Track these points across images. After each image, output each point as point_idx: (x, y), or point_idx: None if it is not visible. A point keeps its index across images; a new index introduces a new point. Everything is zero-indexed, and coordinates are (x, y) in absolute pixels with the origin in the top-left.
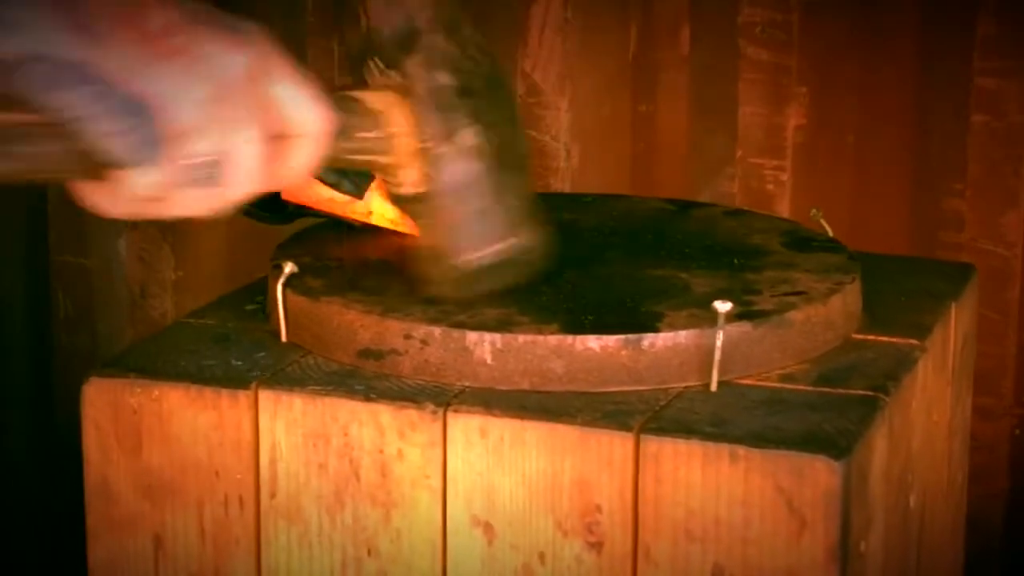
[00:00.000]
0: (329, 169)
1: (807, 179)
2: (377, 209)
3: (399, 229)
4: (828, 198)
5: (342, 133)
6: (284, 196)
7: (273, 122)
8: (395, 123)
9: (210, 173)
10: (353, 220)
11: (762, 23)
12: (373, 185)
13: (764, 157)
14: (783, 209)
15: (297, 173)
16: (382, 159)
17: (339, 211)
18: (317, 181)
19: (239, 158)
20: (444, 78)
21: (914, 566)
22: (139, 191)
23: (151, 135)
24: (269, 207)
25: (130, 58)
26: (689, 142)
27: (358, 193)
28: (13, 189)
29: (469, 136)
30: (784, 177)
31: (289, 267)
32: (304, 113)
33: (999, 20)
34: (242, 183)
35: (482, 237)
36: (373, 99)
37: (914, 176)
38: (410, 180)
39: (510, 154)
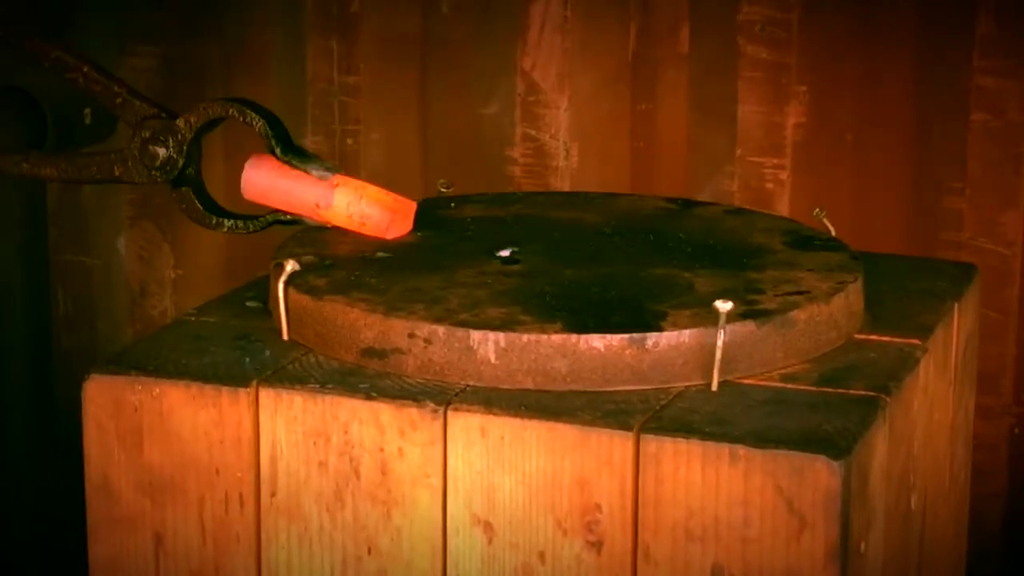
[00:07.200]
0: (298, 153)
1: (806, 178)
2: (341, 210)
3: (363, 231)
4: (827, 197)
5: None
6: (249, 196)
7: None
8: None
9: None
10: (320, 221)
11: (761, 21)
12: (339, 186)
13: (763, 156)
14: (782, 208)
15: None
16: None
17: (306, 212)
18: (288, 167)
19: None
20: None
21: (915, 566)
22: None
23: None
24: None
25: None
26: (688, 140)
27: (326, 176)
28: (12, 188)
29: None
30: (783, 176)
31: (291, 265)
32: None
33: (998, 20)
34: None
35: None
36: None
37: (913, 175)
38: None
39: None
